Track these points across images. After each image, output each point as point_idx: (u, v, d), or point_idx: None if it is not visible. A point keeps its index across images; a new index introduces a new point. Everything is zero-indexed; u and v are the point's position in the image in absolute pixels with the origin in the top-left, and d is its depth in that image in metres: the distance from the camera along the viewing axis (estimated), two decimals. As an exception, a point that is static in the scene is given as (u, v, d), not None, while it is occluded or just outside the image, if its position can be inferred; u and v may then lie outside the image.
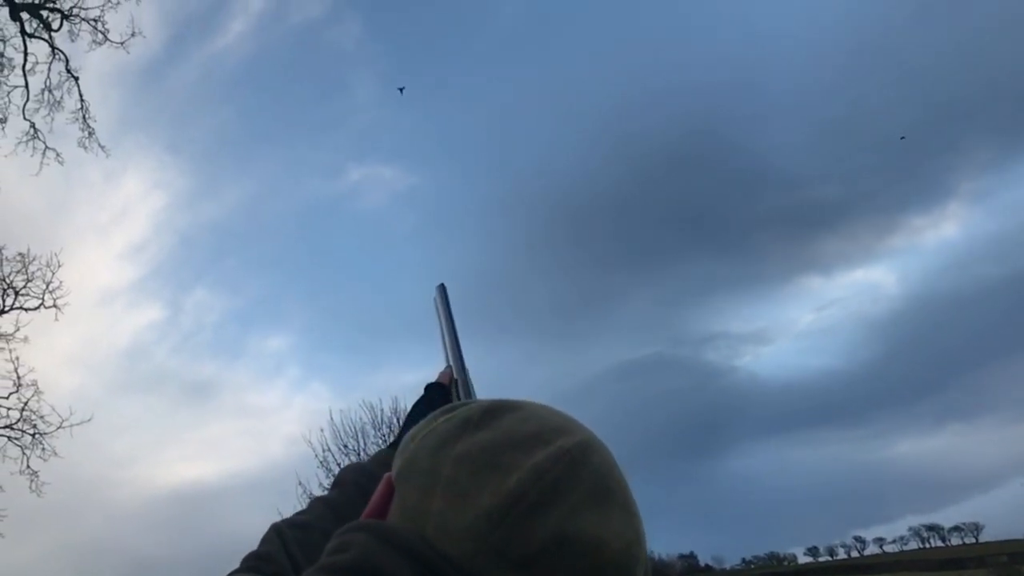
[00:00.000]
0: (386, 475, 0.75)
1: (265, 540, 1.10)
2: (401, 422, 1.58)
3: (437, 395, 1.36)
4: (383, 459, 1.25)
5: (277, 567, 1.04)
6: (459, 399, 1.33)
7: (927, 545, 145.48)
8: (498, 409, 0.72)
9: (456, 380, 1.37)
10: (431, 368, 1.48)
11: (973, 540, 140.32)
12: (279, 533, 1.10)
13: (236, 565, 1.06)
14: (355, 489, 1.18)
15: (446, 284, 1.60)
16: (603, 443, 0.72)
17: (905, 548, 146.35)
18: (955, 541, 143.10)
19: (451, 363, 1.43)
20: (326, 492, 1.26)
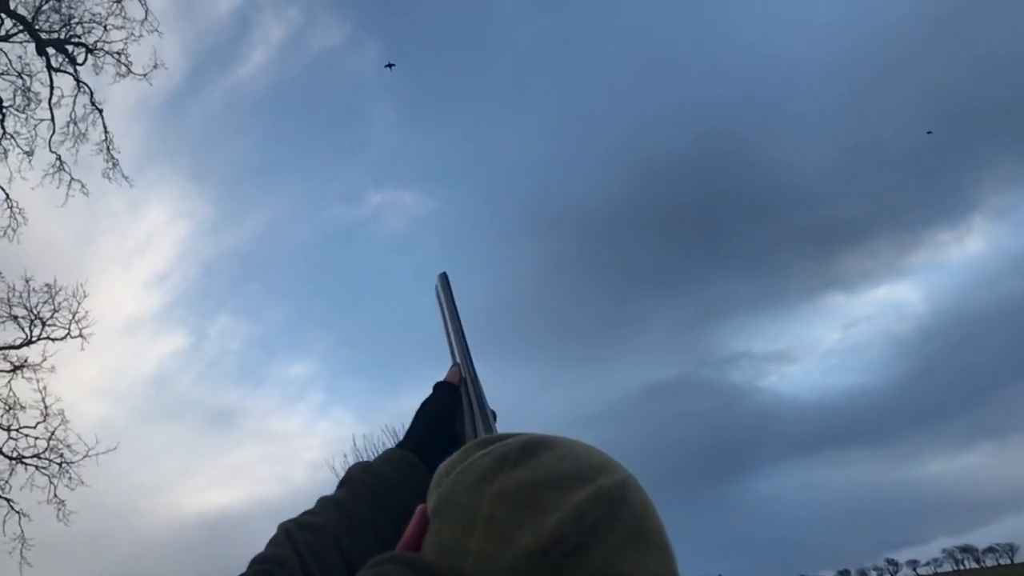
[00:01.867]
0: (420, 507, 0.74)
1: (274, 542, 1.05)
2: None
3: (446, 394, 1.30)
4: (390, 457, 1.21)
5: (288, 572, 1.00)
6: (469, 399, 1.26)
7: (962, 567, 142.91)
8: (535, 445, 0.71)
9: (465, 379, 1.31)
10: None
11: (1008, 561, 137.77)
12: (289, 535, 1.05)
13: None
14: (365, 489, 1.15)
15: (447, 273, 1.51)
16: (638, 481, 0.71)
17: (939, 571, 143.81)
18: (990, 562, 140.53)
19: (458, 360, 1.36)
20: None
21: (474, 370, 1.31)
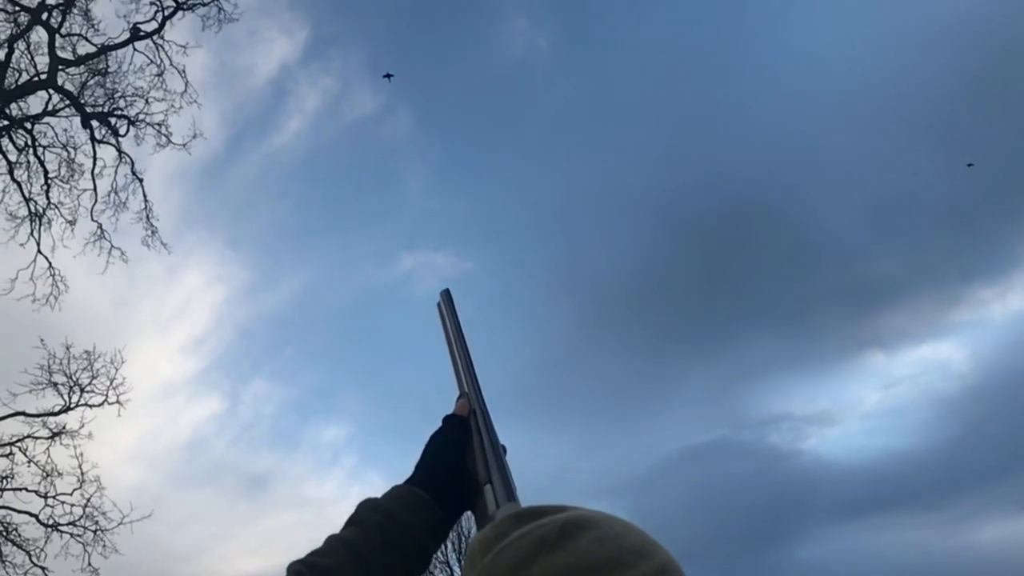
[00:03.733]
0: None
1: None
2: None
3: (455, 428, 1.23)
4: (399, 495, 1.15)
5: None
6: (479, 432, 1.19)
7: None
8: (573, 526, 0.69)
9: (475, 411, 1.23)
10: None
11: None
12: None
13: None
14: (374, 527, 1.10)
15: (451, 290, 1.41)
16: (677, 563, 0.70)
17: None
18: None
19: (467, 390, 1.27)
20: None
21: (483, 401, 1.24)
